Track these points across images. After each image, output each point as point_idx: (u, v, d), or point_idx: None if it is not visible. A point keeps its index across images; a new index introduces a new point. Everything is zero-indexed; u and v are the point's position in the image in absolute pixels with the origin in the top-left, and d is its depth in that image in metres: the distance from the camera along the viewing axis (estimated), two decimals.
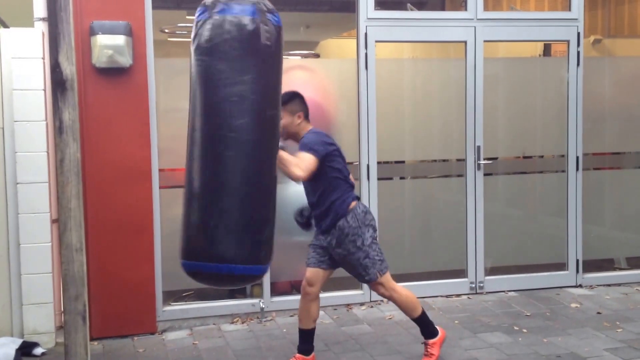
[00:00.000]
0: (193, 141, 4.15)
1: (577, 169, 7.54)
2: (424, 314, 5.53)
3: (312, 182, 5.27)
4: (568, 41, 7.47)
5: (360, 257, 5.27)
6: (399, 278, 6.64)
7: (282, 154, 4.84)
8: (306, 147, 5.13)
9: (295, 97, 5.32)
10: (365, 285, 7.03)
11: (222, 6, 4.04)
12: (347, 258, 5.28)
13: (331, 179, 5.27)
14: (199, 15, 4.14)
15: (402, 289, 5.48)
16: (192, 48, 4.17)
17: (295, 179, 5.11)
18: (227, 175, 4.08)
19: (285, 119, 5.18)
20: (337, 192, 5.30)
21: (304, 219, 5.55)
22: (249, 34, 4.02)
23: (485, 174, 7.35)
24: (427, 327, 5.55)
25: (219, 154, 4.08)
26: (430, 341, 5.52)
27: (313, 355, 5.56)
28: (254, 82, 4.06)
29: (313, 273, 5.40)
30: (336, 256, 5.34)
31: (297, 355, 5.54)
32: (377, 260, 5.31)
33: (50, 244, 6.05)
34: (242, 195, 4.12)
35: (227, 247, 4.14)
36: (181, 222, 4.30)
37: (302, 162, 5.04)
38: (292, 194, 7.11)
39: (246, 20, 4.01)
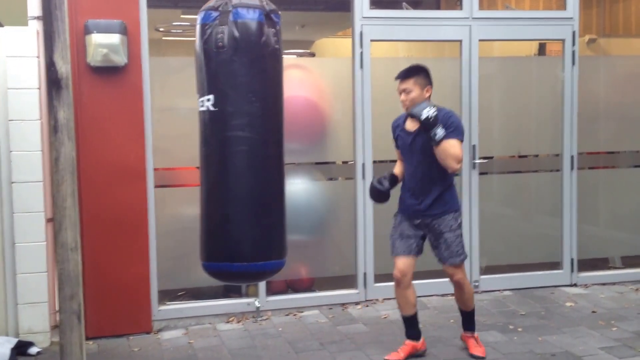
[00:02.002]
0: (211, 145, 4.22)
1: (572, 168, 7.54)
2: (474, 309, 5.81)
3: (430, 168, 5.41)
4: (563, 40, 7.48)
5: (459, 234, 5.51)
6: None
7: (446, 144, 5.16)
8: (457, 133, 5.31)
9: (422, 70, 5.47)
10: (360, 285, 7.04)
11: (230, 10, 4.09)
12: (447, 235, 5.46)
13: (446, 171, 5.41)
14: (205, 19, 4.16)
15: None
16: (203, 52, 4.19)
17: (452, 171, 5.37)
18: (239, 175, 4.15)
19: (416, 92, 5.37)
20: (448, 180, 5.52)
21: (385, 188, 5.54)
22: (260, 38, 4.10)
23: (480, 173, 7.35)
24: (473, 321, 5.81)
25: (233, 155, 4.14)
26: (477, 334, 5.81)
27: (423, 339, 5.74)
28: (265, 79, 4.15)
29: (405, 262, 5.54)
30: (434, 234, 5.51)
31: (407, 341, 5.67)
32: (464, 246, 5.60)
33: (45, 243, 6.04)
34: (242, 198, 4.18)
35: (242, 246, 4.19)
36: (199, 225, 4.34)
37: (459, 153, 5.27)
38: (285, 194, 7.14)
39: (256, 24, 4.08)
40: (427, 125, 5.17)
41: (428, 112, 5.14)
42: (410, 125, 5.49)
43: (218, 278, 4.47)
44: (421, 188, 5.47)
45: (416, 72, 5.43)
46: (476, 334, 5.82)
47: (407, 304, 5.61)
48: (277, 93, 4.28)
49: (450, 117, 5.34)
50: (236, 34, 4.04)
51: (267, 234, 4.27)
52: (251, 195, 4.18)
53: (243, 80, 4.11)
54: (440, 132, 5.16)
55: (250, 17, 4.06)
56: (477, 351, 5.70)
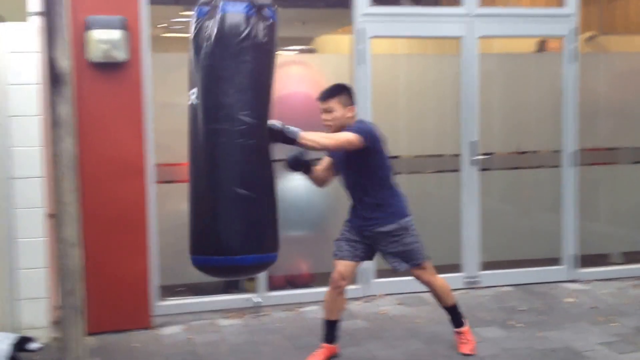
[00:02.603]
0: (196, 138, 4.23)
1: (572, 164, 7.55)
2: (456, 303, 5.72)
3: (360, 176, 5.37)
4: (563, 37, 7.48)
5: (413, 241, 5.43)
6: (394, 273, 6.66)
7: (305, 133, 4.86)
8: (351, 129, 5.22)
9: (344, 89, 5.41)
10: (360, 280, 7.05)
11: (219, 4, 4.12)
12: (401, 242, 5.40)
13: (382, 177, 5.39)
14: (198, 14, 4.19)
15: (439, 276, 5.67)
16: (193, 46, 4.24)
17: (321, 148, 5.14)
18: (226, 168, 4.15)
19: (338, 111, 5.31)
20: (391, 190, 5.46)
21: (301, 166, 5.32)
22: (244, 31, 4.07)
23: (480, 170, 7.36)
24: (458, 316, 5.73)
25: (218, 148, 4.15)
26: (463, 329, 5.71)
27: (338, 345, 5.64)
28: (248, 73, 4.13)
29: (347, 266, 5.48)
30: (384, 243, 5.43)
31: (325, 344, 5.58)
32: (422, 246, 5.52)
33: (45, 238, 6.05)
34: (230, 193, 4.19)
35: (230, 239, 4.20)
36: (188, 219, 4.35)
37: (335, 135, 5.14)
38: (285, 189, 7.15)
39: (240, 17, 4.07)
40: (279, 136, 4.71)
41: (273, 124, 4.66)
42: None
43: (206, 272, 4.48)
44: (358, 201, 5.45)
45: (338, 92, 5.36)
46: (465, 327, 5.72)
47: (336, 309, 5.54)
48: (262, 86, 4.26)
49: (358, 123, 5.35)
50: (219, 26, 4.07)
51: (255, 228, 4.26)
52: (236, 188, 4.18)
53: (223, 74, 4.14)
54: (293, 129, 4.80)
55: (236, 10, 4.08)
56: (465, 349, 5.65)
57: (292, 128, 4.80)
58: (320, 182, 5.61)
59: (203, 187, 4.26)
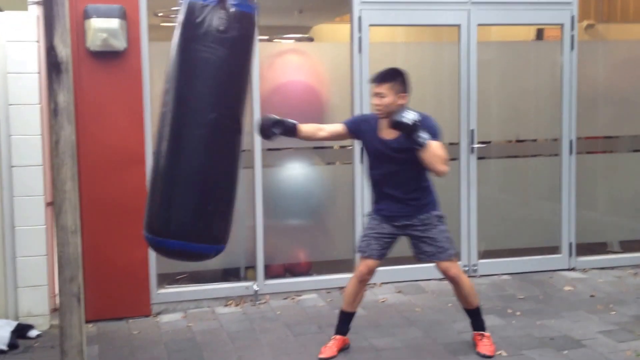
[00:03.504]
0: (159, 117, 4.23)
1: (571, 152, 7.56)
2: (480, 306, 5.60)
3: (408, 167, 5.27)
4: (562, 25, 7.48)
5: (444, 233, 5.39)
6: (393, 261, 6.68)
7: (433, 147, 5.01)
8: (436, 136, 5.17)
9: (399, 75, 5.27)
10: None
11: None
12: (433, 232, 5.36)
13: (425, 169, 5.28)
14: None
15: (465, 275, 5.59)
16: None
17: (440, 175, 5.20)
18: (175, 157, 4.14)
19: (389, 98, 5.18)
20: (428, 182, 5.43)
21: (277, 130, 5.24)
22: (203, 21, 4.08)
23: (478, 158, 7.36)
24: (480, 319, 5.60)
25: (181, 134, 4.14)
26: (486, 333, 5.57)
27: (347, 337, 5.64)
28: (195, 62, 4.17)
29: (374, 264, 5.46)
30: (415, 235, 5.39)
31: (337, 336, 5.58)
32: (452, 241, 5.50)
33: (44, 226, 6.06)
34: (185, 177, 4.17)
35: (160, 219, 4.20)
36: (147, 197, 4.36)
37: (444, 156, 5.13)
38: (283, 178, 7.17)
39: (192, 6, 4.08)
40: (411, 130, 4.99)
41: (411, 116, 4.97)
42: (387, 134, 5.26)
43: (156, 252, 4.50)
44: (399, 194, 5.34)
45: (393, 78, 5.24)
46: (487, 332, 5.59)
47: (355, 301, 5.55)
48: (224, 78, 4.20)
49: (428, 119, 5.23)
50: (181, 14, 4.10)
51: (205, 218, 4.24)
52: (192, 176, 4.17)
53: (175, 60, 4.23)
54: (425, 135, 5.00)
55: None
56: (485, 350, 5.48)
57: (424, 134, 4.99)
58: (306, 139, 5.54)
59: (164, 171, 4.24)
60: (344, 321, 5.58)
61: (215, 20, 4.06)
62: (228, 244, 4.36)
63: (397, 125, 4.99)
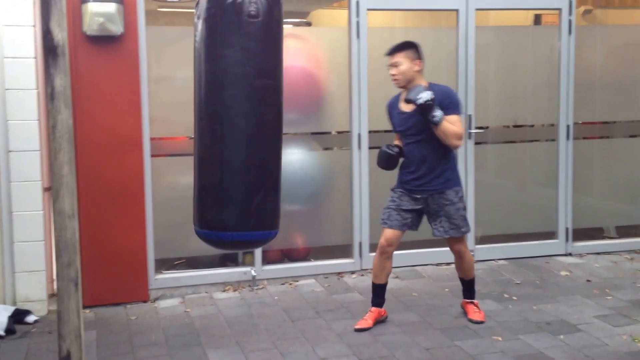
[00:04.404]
0: (194, 114, 4.19)
1: (568, 138, 7.56)
2: (474, 277, 5.96)
3: (435, 141, 5.48)
4: (560, 10, 7.46)
5: (460, 207, 5.63)
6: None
7: (447, 123, 5.31)
8: (455, 108, 5.47)
9: (412, 45, 5.56)
10: (356, 254, 7.08)
11: None
12: (447, 208, 5.58)
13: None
14: None
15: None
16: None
17: (455, 148, 5.55)
18: (219, 148, 4.10)
19: (405, 64, 5.49)
20: (453, 158, 5.69)
21: (395, 152, 5.63)
22: (231, 7, 4.01)
23: (475, 143, 7.36)
24: (473, 289, 5.97)
25: (209, 126, 4.11)
26: (476, 301, 5.96)
27: (384, 309, 5.87)
28: (236, 54, 4.06)
29: (395, 235, 5.66)
30: (433, 208, 5.61)
31: (373, 308, 5.81)
32: (467, 218, 5.75)
33: (42, 211, 6.06)
34: (233, 167, 4.13)
35: (214, 214, 4.17)
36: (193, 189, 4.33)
37: (459, 131, 5.43)
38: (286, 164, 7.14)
39: None
40: (424, 109, 5.27)
41: (424, 96, 5.23)
42: (406, 106, 5.54)
43: (211, 245, 4.47)
44: (421, 167, 5.57)
45: (405, 46, 5.55)
46: (476, 301, 5.96)
47: (383, 273, 5.78)
48: (255, 63, 4.18)
49: (446, 92, 5.48)
50: (211, 2, 4.04)
51: (260, 204, 4.23)
52: (230, 171, 4.15)
53: (203, 66, 4.12)
54: (438, 113, 5.27)
55: None
56: (476, 316, 5.84)
57: (437, 112, 5.25)
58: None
59: (200, 163, 4.22)
60: (377, 294, 5.84)
61: (246, 5, 4.03)
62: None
63: (410, 102, 5.30)
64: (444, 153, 5.56)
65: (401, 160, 5.67)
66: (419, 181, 5.59)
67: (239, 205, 4.15)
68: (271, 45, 4.23)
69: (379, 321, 5.79)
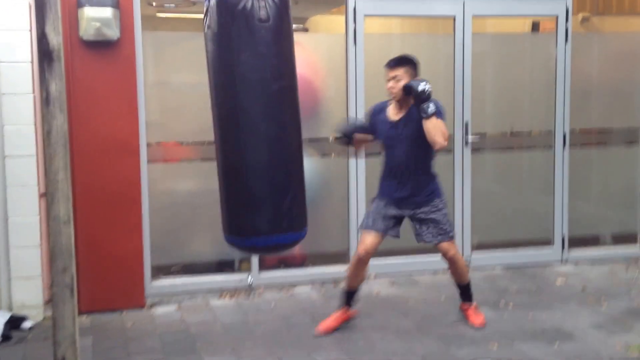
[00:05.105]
0: (213, 122, 4.20)
1: (564, 145, 7.56)
2: (469, 281, 6.01)
3: (420, 151, 5.60)
4: (557, 17, 7.47)
5: (446, 213, 5.74)
6: (386, 253, 6.71)
7: (437, 121, 5.38)
8: (441, 115, 5.49)
9: (412, 61, 5.65)
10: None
11: None
12: (434, 215, 5.65)
13: (433, 155, 5.69)
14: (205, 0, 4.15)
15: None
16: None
17: (440, 148, 5.48)
18: (243, 154, 4.11)
19: (405, 80, 5.53)
20: (431, 169, 5.74)
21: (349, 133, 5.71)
22: (241, 13, 4.01)
23: (472, 150, 7.36)
24: (469, 292, 6.02)
25: (230, 133, 4.12)
26: (474, 304, 6.02)
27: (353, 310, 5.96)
28: (251, 60, 4.06)
29: (374, 240, 5.70)
30: (420, 217, 5.67)
31: (343, 308, 5.89)
32: (452, 224, 5.91)
33: (38, 217, 6.04)
34: (258, 171, 4.13)
35: (246, 220, 4.17)
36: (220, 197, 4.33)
37: (446, 131, 5.49)
38: None
39: (236, 0, 4.01)
40: (422, 98, 5.35)
41: (424, 85, 5.35)
42: (395, 115, 5.65)
43: (244, 251, 4.48)
44: (407, 176, 5.63)
45: (407, 62, 5.61)
46: (474, 303, 6.00)
47: (357, 279, 5.85)
48: (270, 67, 4.20)
49: (434, 101, 5.50)
50: (220, 11, 4.03)
51: (288, 205, 4.23)
52: (254, 176, 4.15)
53: (216, 74, 4.16)
54: (432, 106, 5.35)
55: None
56: (477, 320, 5.89)
57: (432, 105, 5.35)
58: (359, 152, 5.95)
59: (223, 170, 4.22)
60: (347, 298, 5.90)
61: (256, 10, 4.03)
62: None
63: (410, 89, 5.39)
64: (428, 165, 5.68)
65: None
66: (406, 192, 5.65)
67: (269, 209, 4.16)
68: (284, 47, 4.22)
69: (347, 321, 5.89)
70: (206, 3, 4.09)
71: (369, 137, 5.81)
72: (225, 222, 4.26)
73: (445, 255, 5.74)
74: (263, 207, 4.15)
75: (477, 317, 5.92)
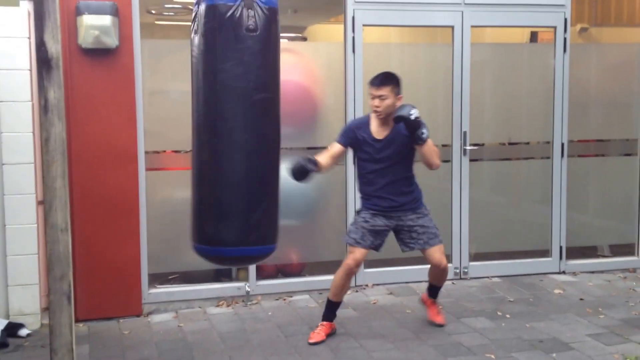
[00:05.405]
0: (192, 128, 4.20)
1: (562, 155, 7.57)
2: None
3: (403, 164, 5.73)
4: (555, 27, 7.48)
5: (431, 218, 5.83)
6: (384, 263, 6.71)
7: (430, 144, 5.50)
8: (428, 133, 5.54)
9: (396, 79, 5.67)
10: None
11: None
12: (421, 221, 5.74)
13: (413, 166, 5.82)
14: (195, 4, 4.15)
15: None
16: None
17: (435, 169, 5.71)
18: (218, 162, 4.10)
19: (390, 99, 5.58)
20: (414, 181, 5.84)
21: (313, 170, 5.49)
22: (229, 21, 4.01)
23: (470, 160, 7.36)
24: (438, 290, 6.17)
25: (208, 140, 4.11)
26: (437, 301, 6.22)
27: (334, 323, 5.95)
28: (235, 68, 4.06)
29: (363, 255, 5.75)
30: (408, 225, 5.73)
31: (325, 322, 5.88)
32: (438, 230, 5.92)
33: (35, 225, 6.04)
34: (232, 181, 4.13)
35: (214, 229, 4.16)
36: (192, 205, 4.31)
37: (439, 151, 5.68)
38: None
39: (225, 7, 4.00)
40: (415, 126, 5.40)
41: (415, 113, 5.37)
42: (379, 133, 5.69)
43: (210, 260, 4.45)
44: (392, 190, 5.71)
45: (392, 80, 5.63)
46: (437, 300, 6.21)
47: (343, 292, 5.87)
48: (253, 77, 4.17)
49: (422, 123, 5.55)
50: (209, 16, 4.05)
51: (259, 219, 4.23)
52: (230, 186, 4.15)
53: (201, 78, 4.21)
54: (426, 132, 5.44)
55: None
56: (438, 319, 6.10)
57: (425, 130, 5.42)
58: (324, 171, 5.77)
59: (198, 178, 4.22)
60: (332, 309, 5.91)
61: (244, 19, 4.03)
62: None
63: (401, 120, 5.39)
64: (410, 177, 5.79)
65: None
66: (392, 203, 5.71)
67: (239, 220, 4.16)
68: (269, 59, 4.23)
69: (330, 334, 5.87)
70: (195, 8, 4.10)
71: (334, 159, 5.77)
72: (194, 230, 4.25)
73: (438, 267, 5.80)
74: (233, 218, 4.15)
75: (439, 316, 6.13)
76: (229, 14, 3.99)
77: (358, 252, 5.69)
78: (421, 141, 5.44)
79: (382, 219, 5.72)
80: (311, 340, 5.72)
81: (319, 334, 5.79)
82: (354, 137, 5.76)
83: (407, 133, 5.48)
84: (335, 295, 5.83)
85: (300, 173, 5.43)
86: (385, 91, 5.56)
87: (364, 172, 5.78)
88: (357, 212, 5.90)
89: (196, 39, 4.11)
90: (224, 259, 4.34)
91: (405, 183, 5.72)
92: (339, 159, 5.92)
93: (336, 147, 5.76)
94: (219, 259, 4.39)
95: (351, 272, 5.73)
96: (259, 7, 4.07)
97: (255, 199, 4.20)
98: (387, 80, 5.60)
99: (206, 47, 4.07)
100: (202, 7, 4.04)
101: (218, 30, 4.02)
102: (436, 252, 5.74)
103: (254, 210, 4.19)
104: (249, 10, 4.03)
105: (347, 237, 5.82)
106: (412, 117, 5.34)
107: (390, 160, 5.66)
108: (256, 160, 4.17)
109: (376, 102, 5.58)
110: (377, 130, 5.68)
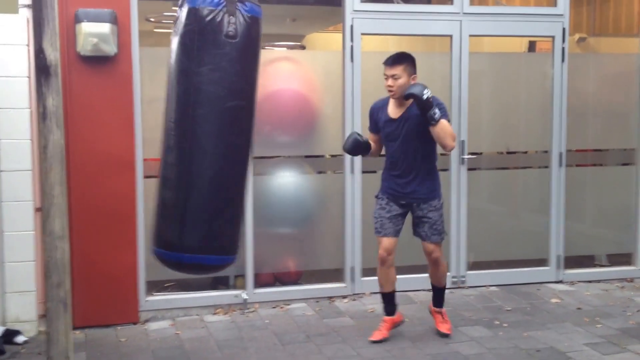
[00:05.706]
0: (162, 130, 4.20)
1: (560, 165, 7.57)
2: (445, 285, 6.14)
3: (425, 147, 5.72)
4: (553, 37, 7.50)
5: (442, 214, 5.85)
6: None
7: (445, 123, 5.49)
8: (446, 115, 5.61)
9: (410, 58, 5.72)
10: (348, 278, 7.06)
11: None
12: (431, 214, 5.76)
13: (436, 151, 5.82)
14: (178, 6, 4.16)
15: None
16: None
17: (450, 150, 5.75)
18: (185, 167, 4.10)
19: (404, 79, 5.61)
20: (432, 166, 5.83)
21: (365, 140, 5.72)
22: (209, 25, 4.01)
23: (468, 169, 7.37)
24: (443, 298, 6.13)
25: (176, 143, 4.11)
26: (444, 309, 6.14)
27: (398, 313, 6.06)
28: (211, 73, 4.05)
29: (391, 242, 5.80)
30: (418, 214, 5.78)
31: (386, 317, 5.98)
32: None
33: (33, 232, 6.04)
34: (197, 187, 4.12)
35: (175, 234, 4.15)
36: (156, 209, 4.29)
37: (453, 132, 5.65)
38: (274, 187, 7.16)
39: (206, 11, 4.00)
40: (426, 105, 5.41)
41: (427, 93, 5.40)
42: (394, 112, 5.73)
43: (168, 266, 4.42)
44: (408, 173, 5.72)
45: (405, 60, 5.67)
46: (443, 309, 6.14)
47: (388, 281, 5.89)
48: (228, 84, 4.17)
49: (435, 98, 5.59)
50: (190, 19, 4.06)
51: (220, 228, 4.20)
52: (197, 191, 4.14)
53: (176, 80, 4.29)
54: (438, 111, 5.43)
55: (202, 3, 4.03)
56: (444, 328, 6.04)
57: (437, 110, 5.42)
58: (374, 155, 5.96)
59: (165, 182, 4.22)
60: (387, 302, 5.99)
61: (225, 25, 4.02)
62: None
63: (412, 97, 5.42)
64: (429, 161, 5.76)
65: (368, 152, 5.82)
66: (405, 189, 5.74)
67: (201, 227, 4.13)
68: (247, 67, 4.20)
69: (394, 328, 5.99)
70: (178, 11, 4.11)
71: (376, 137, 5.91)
72: (154, 233, 4.23)
73: (429, 256, 5.86)
74: (195, 224, 4.13)
75: (445, 323, 6.08)
76: (209, 18, 3.99)
77: (384, 241, 5.77)
78: (433, 121, 5.43)
79: (396, 204, 5.79)
80: (371, 339, 5.85)
81: (380, 331, 5.90)
82: (375, 119, 5.89)
83: (419, 113, 5.51)
84: (382, 287, 5.91)
85: (353, 146, 5.71)
86: (398, 70, 5.59)
87: (387, 154, 5.85)
88: (376, 196, 5.96)
89: (175, 41, 4.11)
90: (182, 265, 4.30)
91: (422, 167, 5.72)
92: (379, 143, 5.95)
93: (369, 135, 5.92)
94: (178, 265, 4.34)
95: (385, 261, 5.78)
96: (241, 14, 4.06)
97: (219, 207, 4.18)
98: (400, 59, 5.64)
99: (184, 49, 4.07)
100: (184, 9, 4.05)
101: (197, 34, 4.02)
102: (429, 246, 5.81)
103: (217, 218, 4.16)
104: (231, 16, 4.02)
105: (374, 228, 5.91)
106: (424, 98, 5.36)
107: (406, 141, 5.68)
108: (223, 167, 4.15)
109: (390, 81, 5.62)
110: (393, 110, 5.74)
